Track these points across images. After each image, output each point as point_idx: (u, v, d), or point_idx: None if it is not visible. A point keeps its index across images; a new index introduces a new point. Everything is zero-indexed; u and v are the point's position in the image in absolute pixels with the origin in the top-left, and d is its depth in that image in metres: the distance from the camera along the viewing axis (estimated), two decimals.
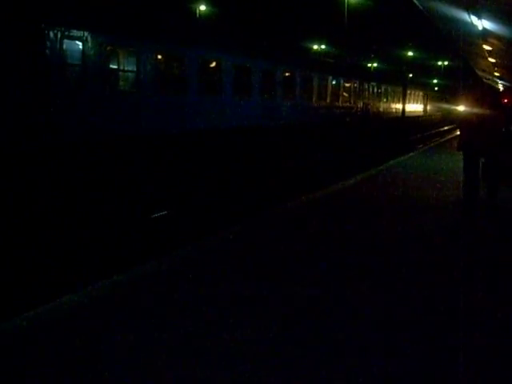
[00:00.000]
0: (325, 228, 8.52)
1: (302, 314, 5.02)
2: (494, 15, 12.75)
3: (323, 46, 62.15)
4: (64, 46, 13.13)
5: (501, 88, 41.16)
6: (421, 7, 14.52)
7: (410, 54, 64.09)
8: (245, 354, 4.19)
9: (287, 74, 24.31)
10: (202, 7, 48.29)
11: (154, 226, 11.48)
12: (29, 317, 4.88)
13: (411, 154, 23.06)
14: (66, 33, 13.13)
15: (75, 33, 13.47)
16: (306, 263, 6.61)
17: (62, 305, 5.25)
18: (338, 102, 29.63)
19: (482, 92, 11.07)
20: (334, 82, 28.67)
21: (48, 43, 12.74)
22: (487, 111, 10.00)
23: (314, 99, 26.70)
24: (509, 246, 7.80)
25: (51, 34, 12.75)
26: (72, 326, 4.75)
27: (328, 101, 27.99)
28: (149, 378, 3.88)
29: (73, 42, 13.53)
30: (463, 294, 5.57)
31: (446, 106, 56.89)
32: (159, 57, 16.44)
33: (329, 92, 28.22)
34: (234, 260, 6.76)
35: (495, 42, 16.78)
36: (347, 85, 30.99)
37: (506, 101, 14.84)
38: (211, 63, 19.11)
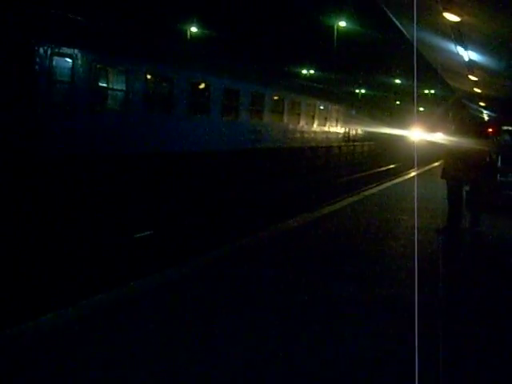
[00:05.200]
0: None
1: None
2: (480, 47, 12.98)
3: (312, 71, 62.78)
4: (53, 63, 13.16)
5: (486, 118, 41.69)
6: (407, 36, 14.73)
7: (398, 81, 64.77)
8: None
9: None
10: (194, 29, 48.66)
11: (137, 245, 11.40)
12: None
13: None
14: (56, 50, 13.18)
15: (65, 50, 13.52)
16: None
17: (43, 323, 5.19)
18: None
19: (469, 121, 11.20)
20: None
21: (37, 59, 12.77)
22: (472, 141, 10.11)
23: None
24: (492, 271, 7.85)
25: (41, 50, 12.78)
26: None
27: None
28: None
29: (62, 59, 13.57)
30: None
31: (389, 128, 37.30)
32: (149, 77, 16.52)
33: None
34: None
35: (481, 72, 17.05)
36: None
37: (490, 130, 15.04)
38: (200, 84, 19.22)
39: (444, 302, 6.12)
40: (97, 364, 4.36)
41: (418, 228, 10.22)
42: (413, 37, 14.19)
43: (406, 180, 20.68)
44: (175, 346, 4.73)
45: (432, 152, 26.74)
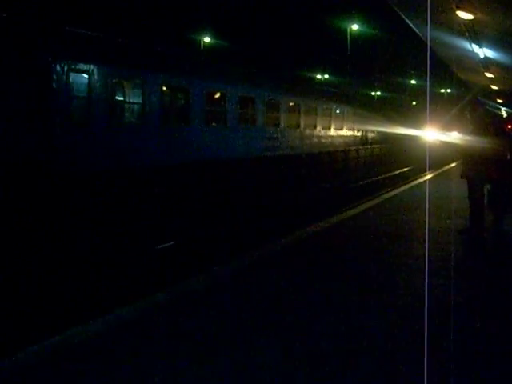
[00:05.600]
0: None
1: None
2: (495, 43, 12.89)
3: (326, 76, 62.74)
4: (70, 79, 13.34)
5: (504, 115, 41.30)
6: (421, 35, 14.67)
7: (413, 81, 64.46)
8: None
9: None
10: (207, 39, 48.97)
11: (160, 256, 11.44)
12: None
13: None
14: (73, 66, 13.35)
15: (81, 66, 13.69)
16: None
17: (65, 340, 5.22)
18: None
19: (487, 119, 11.09)
20: None
21: (54, 76, 12.95)
22: (491, 139, 10.01)
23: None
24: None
25: (58, 67, 12.96)
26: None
27: None
28: None
29: (79, 74, 13.74)
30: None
31: (402, 129, 36.46)
32: (164, 88, 16.65)
33: None
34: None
35: (497, 69, 16.93)
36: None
37: (510, 127, 14.88)
38: (215, 94, 19.32)
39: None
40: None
41: (431, 229, 10.14)
42: (426, 36, 14.14)
43: (423, 182, 20.37)
44: None
45: (448, 152, 26.49)
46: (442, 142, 30.83)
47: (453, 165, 27.12)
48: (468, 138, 10.46)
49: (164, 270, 9.85)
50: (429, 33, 13.07)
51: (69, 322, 6.18)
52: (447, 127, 33.05)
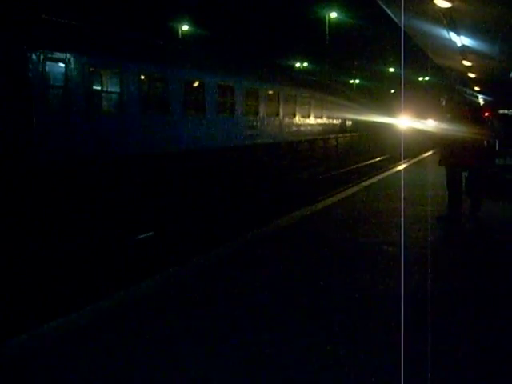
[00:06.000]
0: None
1: None
2: (473, 32, 12.98)
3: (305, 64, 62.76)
4: (47, 68, 13.16)
5: (481, 102, 41.71)
6: (399, 23, 14.71)
7: (392, 70, 64.71)
8: None
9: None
10: (185, 27, 48.62)
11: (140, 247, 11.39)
12: None
13: None
14: (49, 55, 13.17)
15: (58, 55, 13.50)
16: None
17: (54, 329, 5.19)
18: None
19: (465, 107, 11.18)
20: None
21: (30, 65, 12.76)
22: (469, 126, 10.11)
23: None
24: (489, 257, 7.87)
25: (33, 56, 12.78)
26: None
27: None
28: None
29: (56, 63, 13.56)
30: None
31: (379, 118, 35.65)
32: (142, 77, 16.50)
33: None
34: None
35: (474, 57, 17.05)
36: None
37: (486, 114, 15.04)
38: (194, 82, 19.19)
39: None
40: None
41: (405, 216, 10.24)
42: (404, 24, 14.18)
43: (399, 171, 20.36)
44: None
45: (424, 140, 26.54)
46: (417, 129, 30.91)
47: (428, 154, 27.11)
48: (445, 125, 10.56)
49: (141, 261, 9.81)
50: (403, 18, 13.10)
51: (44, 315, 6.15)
52: (423, 115, 33.04)
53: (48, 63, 13.18)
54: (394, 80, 59.49)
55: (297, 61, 62.25)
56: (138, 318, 5.40)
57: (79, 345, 4.76)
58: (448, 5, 9.81)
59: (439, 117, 10.78)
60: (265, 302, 5.79)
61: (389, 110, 37.18)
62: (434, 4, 9.88)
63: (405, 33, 15.76)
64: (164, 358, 4.46)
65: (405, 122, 33.52)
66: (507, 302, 5.96)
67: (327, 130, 31.33)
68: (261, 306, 5.67)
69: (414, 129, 32.64)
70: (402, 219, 9.72)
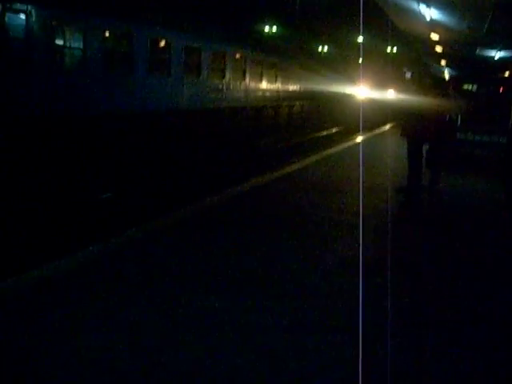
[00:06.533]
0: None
1: None
2: (442, 6, 12.98)
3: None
4: (6, 19, 12.66)
5: (447, 77, 42.05)
6: None
7: (360, 39, 64.19)
8: None
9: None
10: None
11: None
12: None
13: None
14: (8, 5, 12.67)
15: (18, 6, 13.00)
16: None
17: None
18: None
19: (430, 80, 11.23)
20: None
21: None
22: (433, 99, 10.17)
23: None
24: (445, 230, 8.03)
25: None
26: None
27: None
28: None
29: (16, 15, 13.06)
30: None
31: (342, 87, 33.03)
32: (107, 34, 16.05)
33: None
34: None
35: (442, 31, 17.09)
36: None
37: (450, 87, 15.18)
38: (161, 42, 18.79)
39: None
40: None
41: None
42: None
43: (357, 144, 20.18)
44: None
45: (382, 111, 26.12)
46: (377, 100, 30.42)
47: (387, 127, 26.95)
48: (408, 96, 10.60)
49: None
50: None
51: None
52: (383, 85, 32.53)
53: (8, 14, 12.67)
54: (357, 49, 58.15)
55: (266, 25, 61.37)
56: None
57: None
58: None
59: (401, 88, 10.80)
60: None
61: (349, 79, 35.98)
62: None
63: (376, 3, 15.71)
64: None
65: (364, 92, 32.74)
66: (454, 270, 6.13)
67: (293, 96, 31.11)
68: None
69: (373, 99, 31.71)
70: (361, 191, 9.86)
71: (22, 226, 9.50)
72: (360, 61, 55.66)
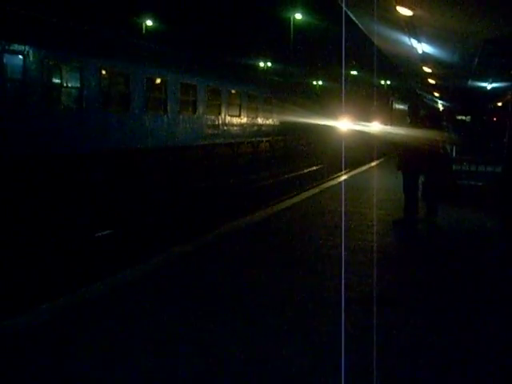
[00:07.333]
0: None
1: None
2: (433, 40, 13.19)
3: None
4: (4, 60, 12.86)
5: (441, 108, 42.48)
6: (364, 30, 14.86)
7: (354, 73, 65.22)
8: None
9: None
10: (149, 22, 48.13)
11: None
12: None
13: None
14: (7, 47, 12.88)
15: (16, 47, 13.21)
16: None
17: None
18: None
19: (424, 113, 11.38)
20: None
21: None
22: (427, 132, 10.29)
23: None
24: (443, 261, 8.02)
25: None
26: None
27: None
28: None
29: (14, 56, 13.25)
30: None
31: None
32: (104, 73, 16.28)
33: None
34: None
35: (434, 64, 17.33)
36: None
37: (445, 118, 15.36)
38: (156, 80, 19.05)
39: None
40: None
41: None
42: (367, 28, 14.33)
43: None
44: None
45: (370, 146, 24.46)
46: (362, 133, 28.50)
47: (374, 163, 23.86)
48: (403, 130, 10.71)
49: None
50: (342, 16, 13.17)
51: None
52: (368, 117, 31.67)
53: (6, 55, 12.88)
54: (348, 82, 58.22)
55: (260, 60, 62.23)
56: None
57: None
58: (409, 13, 9.94)
59: (385, 119, 10.90)
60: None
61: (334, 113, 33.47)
62: (397, 11, 10.00)
63: (366, 36, 15.93)
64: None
65: (346, 124, 30.29)
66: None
67: (287, 130, 30.94)
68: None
69: (358, 132, 29.16)
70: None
71: None
72: (342, 92, 55.31)
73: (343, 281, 6.07)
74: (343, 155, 23.81)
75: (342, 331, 4.81)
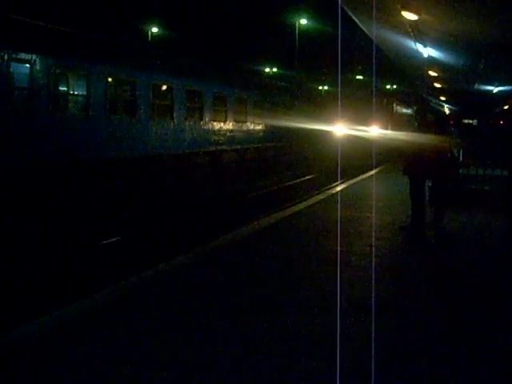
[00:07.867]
0: None
1: None
2: (438, 44, 13.17)
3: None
4: (11, 69, 12.92)
5: (447, 112, 42.41)
6: (368, 34, 14.86)
7: (360, 77, 65.18)
8: None
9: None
10: (155, 29, 48.31)
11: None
12: None
13: None
14: (14, 55, 12.94)
15: (23, 55, 13.27)
16: None
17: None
18: None
19: (430, 117, 11.33)
20: None
21: None
22: (434, 136, 10.23)
23: None
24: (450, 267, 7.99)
25: None
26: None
27: None
28: None
29: (20, 64, 13.31)
30: None
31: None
32: (110, 80, 16.33)
33: None
34: None
35: (440, 68, 17.31)
36: None
37: (451, 122, 15.32)
38: (162, 87, 19.10)
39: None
40: None
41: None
42: (371, 32, 14.32)
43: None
44: None
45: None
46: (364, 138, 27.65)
47: (373, 172, 21.77)
48: (409, 134, 10.67)
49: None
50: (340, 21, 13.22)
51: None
52: (368, 122, 30.94)
53: (13, 64, 12.94)
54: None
55: (266, 66, 62.36)
56: None
57: None
58: (415, 17, 9.92)
59: (385, 123, 10.84)
60: None
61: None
62: (402, 16, 9.98)
63: (371, 41, 15.93)
64: None
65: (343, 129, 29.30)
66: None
67: (296, 136, 30.72)
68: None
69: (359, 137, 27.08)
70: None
71: None
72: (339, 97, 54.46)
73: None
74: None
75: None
